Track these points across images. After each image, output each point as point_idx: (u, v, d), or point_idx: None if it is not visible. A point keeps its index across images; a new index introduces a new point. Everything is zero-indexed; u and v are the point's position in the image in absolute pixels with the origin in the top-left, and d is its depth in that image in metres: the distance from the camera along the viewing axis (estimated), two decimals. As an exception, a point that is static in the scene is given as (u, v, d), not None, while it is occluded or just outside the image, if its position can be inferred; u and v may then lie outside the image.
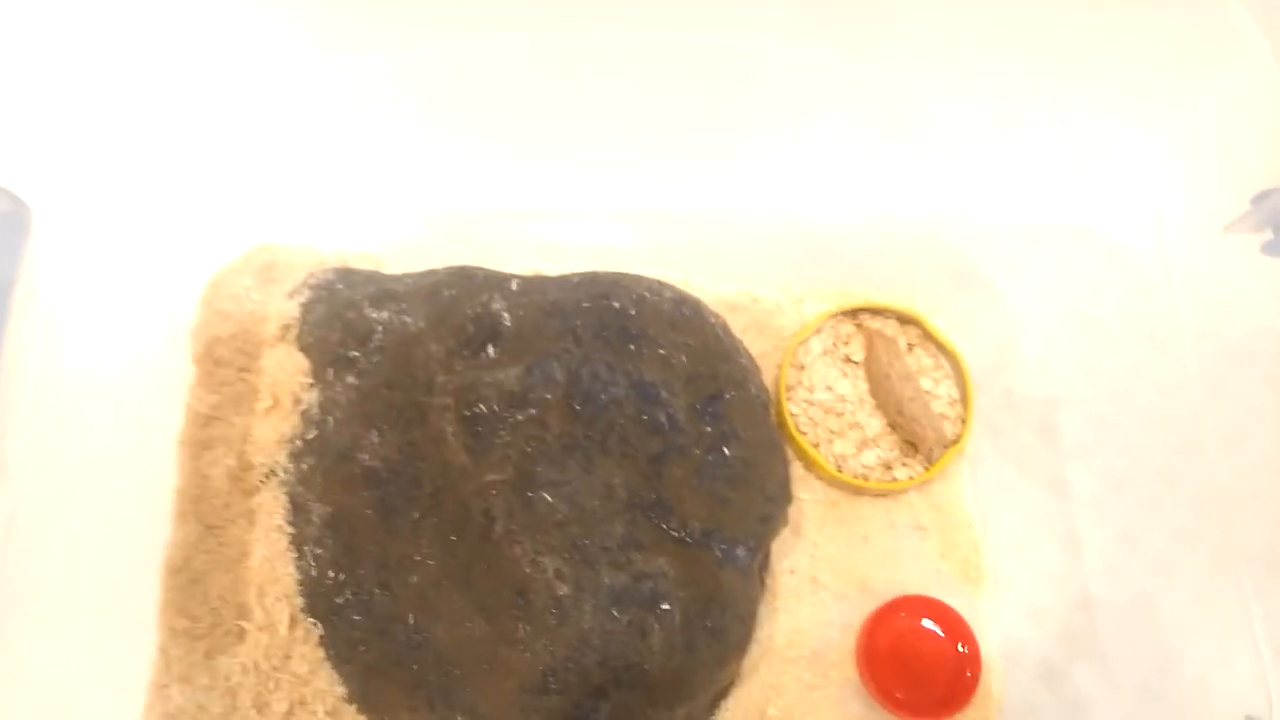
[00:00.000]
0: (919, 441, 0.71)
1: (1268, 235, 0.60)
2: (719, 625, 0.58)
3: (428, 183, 0.75)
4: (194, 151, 0.70)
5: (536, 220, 0.76)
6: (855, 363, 0.74)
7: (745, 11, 0.71)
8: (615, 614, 0.55)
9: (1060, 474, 0.75)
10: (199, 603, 0.61)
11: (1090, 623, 0.71)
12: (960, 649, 0.67)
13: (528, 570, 0.56)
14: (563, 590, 0.56)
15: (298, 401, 0.64)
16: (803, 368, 0.74)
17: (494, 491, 0.58)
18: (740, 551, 0.60)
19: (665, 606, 0.56)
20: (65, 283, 0.62)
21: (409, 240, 0.74)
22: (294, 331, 0.66)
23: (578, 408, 0.60)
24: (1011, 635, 0.70)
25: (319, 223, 0.72)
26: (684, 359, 0.63)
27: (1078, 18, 0.70)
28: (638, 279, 0.66)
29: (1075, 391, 0.76)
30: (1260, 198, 0.60)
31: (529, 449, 0.58)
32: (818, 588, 0.70)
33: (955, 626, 0.68)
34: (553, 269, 0.72)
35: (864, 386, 0.73)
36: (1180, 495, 0.73)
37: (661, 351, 0.62)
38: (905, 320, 0.75)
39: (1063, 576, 0.72)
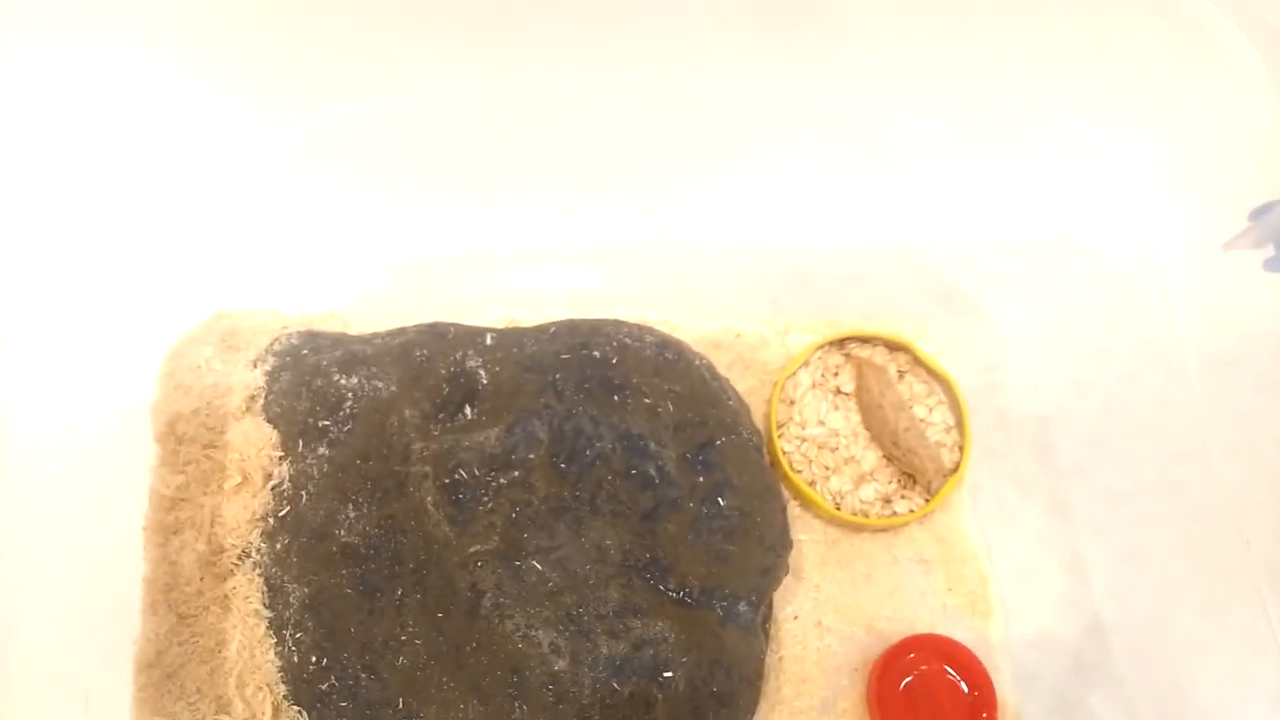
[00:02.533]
0: (917, 473, 0.69)
1: (1269, 251, 0.59)
2: (725, 690, 0.55)
3: (391, 235, 0.72)
4: (144, 218, 0.67)
5: (508, 266, 0.74)
6: (846, 394, 0.72)
7: (705, 51, 0.70)
8: (616, 686, 0.53)
9: (1061, 495, 0.74)
10: (175, 698, 0.58)
11: (1102, 648, 0.69)
12: (973, 692, 0.65)
13: (520, 646, 0.53)
14: (559, 665, 0.53)
15: (268, 477, 0.61)
16: (793, 403, 0.71)
17: (480, 563, 0.55)
18: (742, 607, 0.58)
19: (668, 674, 0.53)
20: (13, 360, 0.59)
21: (375, 295, 0.71)
22: (260, 402, 0.63)
23: (563, 466, 0.57)
24: (1024, 668, 0.68)
25: (279, 284, 0.69)
26: (671, 406, 0.60)
27: (1056, 30, 0.69)
28: (618, 324, 0.63)
29: (1069, 408, 0.76)
30: (1259, 212, 0.58)
31: (514, 514, 0.56)
32: (823, 632, 0.68)
33: (967, 665, 0.65)
34: (528, 316, 0.69)
35: (857, 418, 0.71)
36: (1182, 508, 0.72)
37: (647, 400, 0.60)
38: (893, 347, 0.73)
39: (1071, 602, 0.71)
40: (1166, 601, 0.70)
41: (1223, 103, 0.66)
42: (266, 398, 0.63)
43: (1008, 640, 0.69)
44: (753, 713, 0.58)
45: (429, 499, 0.56)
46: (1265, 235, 0.58)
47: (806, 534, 0.70)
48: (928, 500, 0.69)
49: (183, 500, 0.61)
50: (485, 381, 0.60)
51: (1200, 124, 0.69)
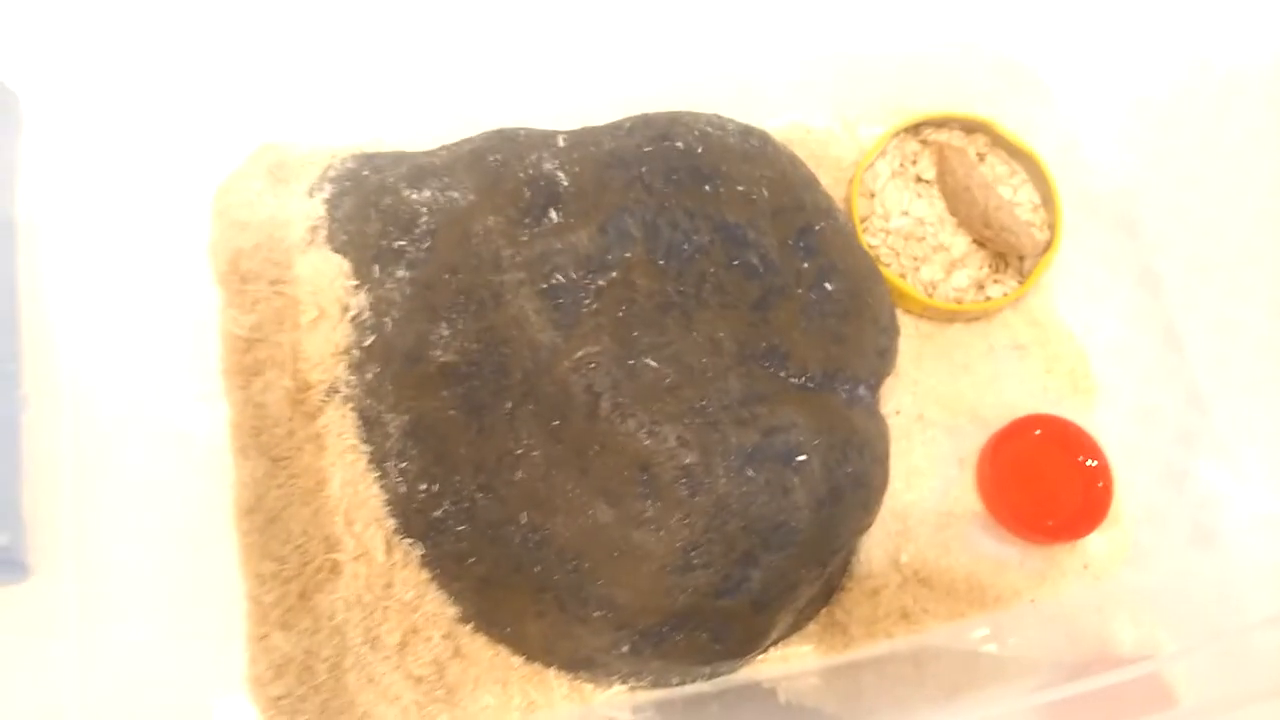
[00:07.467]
0: (1011, 251, 0.66)
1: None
2: (860, 470, 0.53)
3: (437, 58, 0.67)
4: (184, 48, 0.61)
5: (563, 77, 0.69)
6: (928, 181, 0.69)
7: None
8: (751, 474, 0.50)
9: (1149, 268, 0.72)
10: (281, 542, 0.55)
11: (1204, 417, 0.69)
12: (1087, 463, 0.63)
13: (647, 443, 0.50)
14: (689, 458, 0.50)
15: (345, 308, 0.56)
16: (873, 195, 0.68)
17: (592, 365, 0.51)
18: (863, 390, 0.55)
19: (801, 458, 0.51)
20: (62, 191, 0.54)
21: (424, 123, 0.65)
22: (323, 231, 0.58)
23: (662, 263, 0.54)
24: (1127, 441, 0.67)
25: (324, 116, 0.64)
26: (765, 193, 0.57)
27: None
28: (695, 115, 0.59)
29: (1149, 181, 0.74)
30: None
31: (620, 314, 0.52)
32: (927, 425, 0.66)
33: (1077, 440, 0.64)
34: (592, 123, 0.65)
35: (942, 205, 0.68)
36: (1270, 270, 0.70)
37: (740, 188, 0.56)
38: (970, 128, 0.70)
39: (1169, 374, 0.70)
40: (1264, 367, 0.69)
41: None
42: (330, 226, 0.58)
43: (1110, 416, 0.68)
44: (884, 493, 0.56)
45: (529, 306, 0.52)
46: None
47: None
48: (1022, 281, 0.67)
49: (258, 340, 0.57)
50: (566, 183, 0.55)
51: None
